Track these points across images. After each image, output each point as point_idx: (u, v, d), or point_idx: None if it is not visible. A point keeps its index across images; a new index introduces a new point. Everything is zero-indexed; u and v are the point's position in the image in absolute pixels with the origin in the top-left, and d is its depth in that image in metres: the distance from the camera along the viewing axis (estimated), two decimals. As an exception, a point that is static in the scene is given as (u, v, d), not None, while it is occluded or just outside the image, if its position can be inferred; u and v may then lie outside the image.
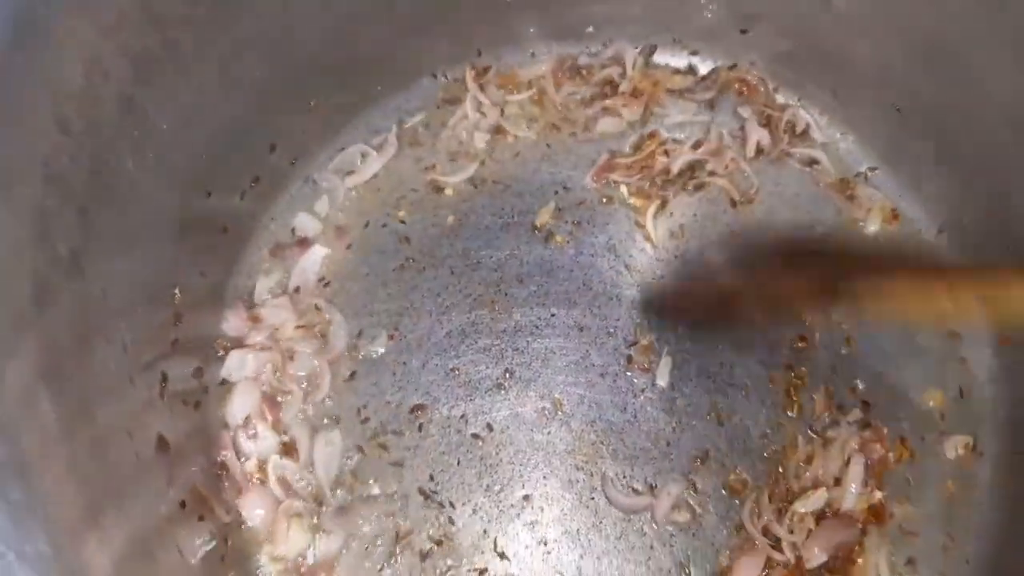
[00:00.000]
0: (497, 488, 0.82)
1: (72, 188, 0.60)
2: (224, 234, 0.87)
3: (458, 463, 0.83)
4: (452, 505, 0.81)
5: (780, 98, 1.00)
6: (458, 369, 0.87)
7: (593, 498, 0.82)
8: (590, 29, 1.00)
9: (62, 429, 0.53)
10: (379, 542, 0.80)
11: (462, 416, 0.85)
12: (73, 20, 0.58)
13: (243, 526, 0.78)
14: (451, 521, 0.81)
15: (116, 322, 0.66)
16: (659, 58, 1.01)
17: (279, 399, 0.84)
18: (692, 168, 0.97)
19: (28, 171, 0.55)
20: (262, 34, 0.80)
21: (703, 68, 1.01)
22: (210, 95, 0.78)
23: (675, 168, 0.96)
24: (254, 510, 0.79)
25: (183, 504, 0.70)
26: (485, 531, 0.81)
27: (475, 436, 0.84)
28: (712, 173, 0.96)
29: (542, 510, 0.81)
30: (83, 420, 0.57)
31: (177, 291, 0.78)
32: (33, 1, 0.55)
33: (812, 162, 0.97)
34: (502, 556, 0.80)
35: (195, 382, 0.82)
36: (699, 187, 0.96)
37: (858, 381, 0.87)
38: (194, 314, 0.81)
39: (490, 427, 0.84)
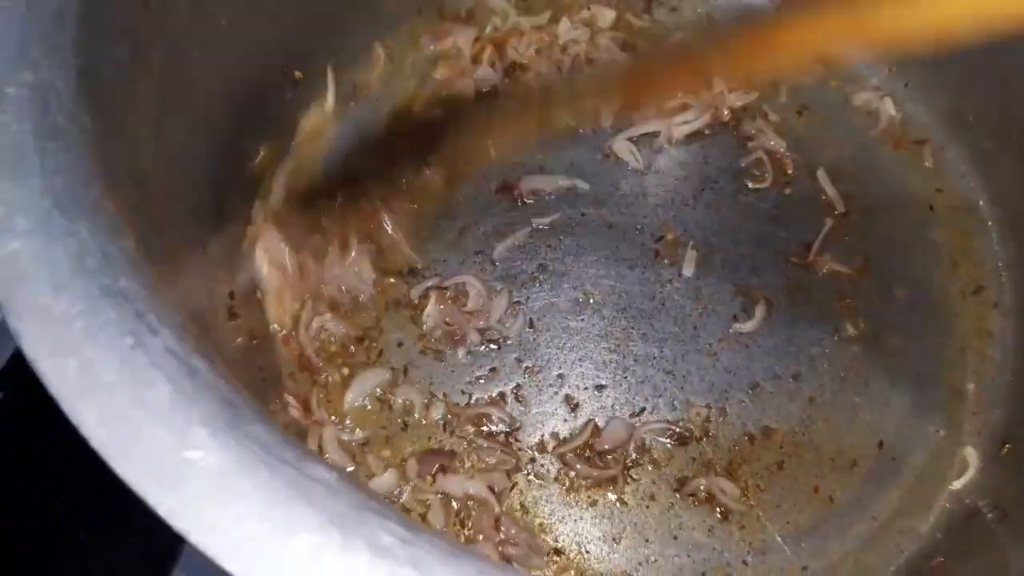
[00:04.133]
0: (536, 369, 0.87)
1: (152, 64, 0.65)
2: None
3: (498, 348, 0.88)
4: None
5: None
6: (495, 264, 0.92)
7: (626, 376, 0.87)
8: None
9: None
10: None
11: (500, 306, 0.90)
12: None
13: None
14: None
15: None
16: None
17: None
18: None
19: (117, 40, 0.60)
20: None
21: None
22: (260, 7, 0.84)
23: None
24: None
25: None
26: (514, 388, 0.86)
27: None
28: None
29: (577, 387, 0.87)
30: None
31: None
32: None
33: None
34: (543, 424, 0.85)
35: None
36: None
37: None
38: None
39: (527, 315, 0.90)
